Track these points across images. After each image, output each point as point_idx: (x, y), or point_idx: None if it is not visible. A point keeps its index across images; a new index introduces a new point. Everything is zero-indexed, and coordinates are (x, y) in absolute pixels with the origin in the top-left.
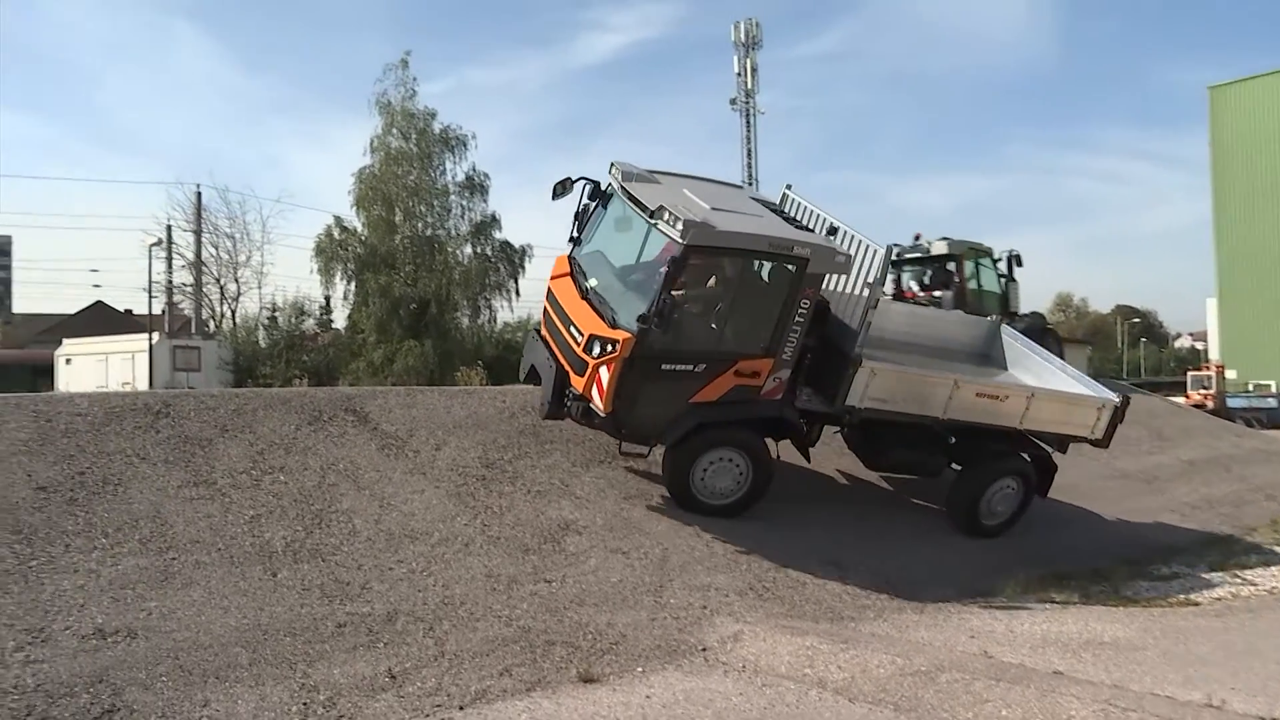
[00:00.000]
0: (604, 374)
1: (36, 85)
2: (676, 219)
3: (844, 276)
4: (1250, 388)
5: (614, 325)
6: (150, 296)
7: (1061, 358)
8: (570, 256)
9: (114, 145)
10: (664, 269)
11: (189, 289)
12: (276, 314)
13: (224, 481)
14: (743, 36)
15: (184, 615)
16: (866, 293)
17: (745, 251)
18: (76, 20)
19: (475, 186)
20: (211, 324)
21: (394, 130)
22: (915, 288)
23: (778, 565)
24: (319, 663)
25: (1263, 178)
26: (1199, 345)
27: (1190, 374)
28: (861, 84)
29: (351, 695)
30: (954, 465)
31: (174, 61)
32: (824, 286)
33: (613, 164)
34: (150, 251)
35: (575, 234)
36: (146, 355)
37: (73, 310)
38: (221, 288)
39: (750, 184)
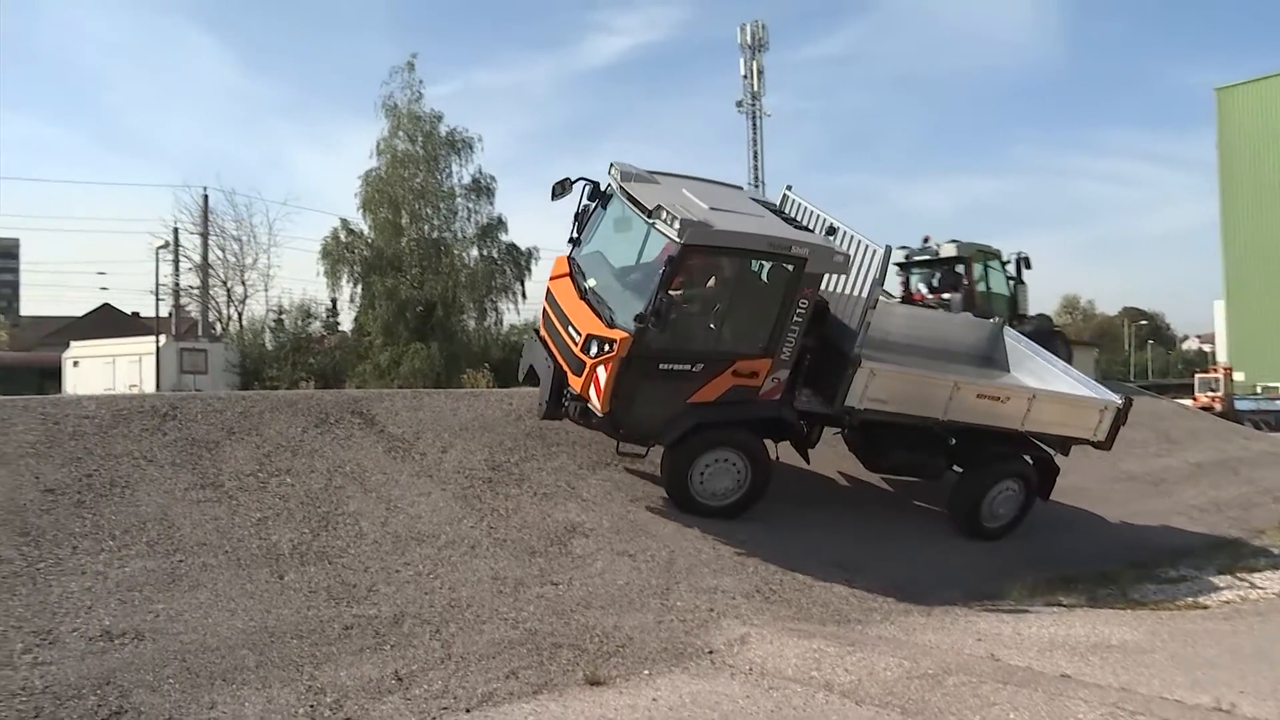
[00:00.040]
0: (601, 374)
1: (43, 88)
2: (674, 218)
3: (844, 277)
4: (1258, 390)
5: (612, 325)
6: (157, 299)
7: (1070, 360)
8: (570, 257)
9: (121, 148)
10: (661, 268)
11: (196, 291)
12: (283, 316)
13: (231, 484)
14: (749, 39)
15: (191, 617)
16: (866, 293)
17: (743, 251)
18: (83, 23)
19: (481, 189)
20: (218, 326)
21: (400, 133)
22: (924, 290)
23: (784, 568)
24: (326, 665)
25: (1270, 179)
26: (1206, 347)
27: (1198, 376)
28: (867, 86)
29: (358, 697)
30: (955, 467)
31: (180, 64)
32: (824, 287)
33: (612, 164)
34: (157, 254)
35: (575, 234)
36: (153, 358)
37: (80, 313)
38: (228, 290)
39: (756, 186)
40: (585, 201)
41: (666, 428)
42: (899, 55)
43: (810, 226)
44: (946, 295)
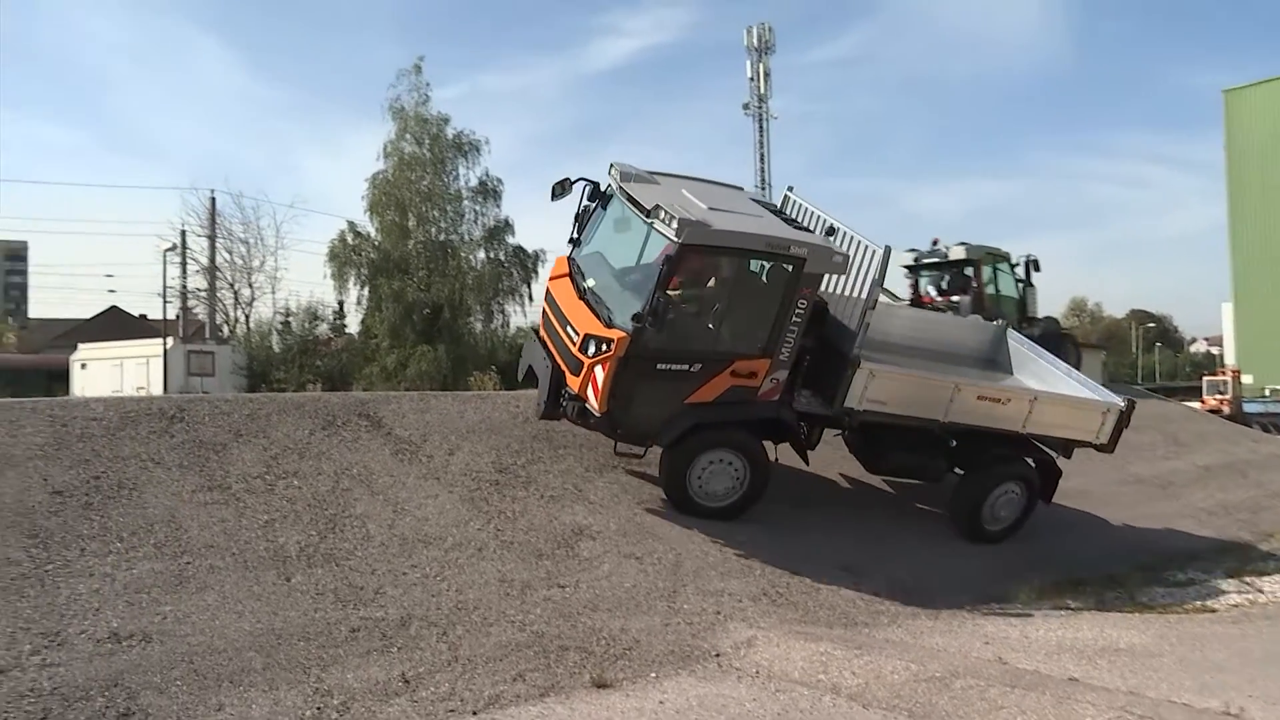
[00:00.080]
0: (599, 373)
1: (52, 91)
2: (672, 218)
3: (844, 278)
4: (1266, 393)
5: (610, 325)
6: (165, 301)
7: (1080, 363)
8: (570, 257)
9: (129, 150)
10: (659, 268)
11: (203, 294)
12: (290, 319)
13: (238, 486)
14: (755, 41)
15: (198, 619)
16: (865, 294)
17: (741, 251)
18: (91, 26)
19: (488, 192)
20: (225, 329)
21: (407, 135)
22: (933, 293)
23: (791, 571)
24: (332, 667)
25: (1278, 181)
26: (1214, 350)
27: (1206, 379)
28: (874, 89)
29: (365, 700)
30: (957, 470)
31: (186, 66)
32: (824, 288)
33: (612, 165)
34: (165, 256)
35: (575, 235)
36: (161, 360)
37: (88, 315)
38: (235, 293)
39: (763, 189)
40: (585, 202)
41: (664, 428)
42: (906, 58)
43: (811, 228)
44: (955, 298)
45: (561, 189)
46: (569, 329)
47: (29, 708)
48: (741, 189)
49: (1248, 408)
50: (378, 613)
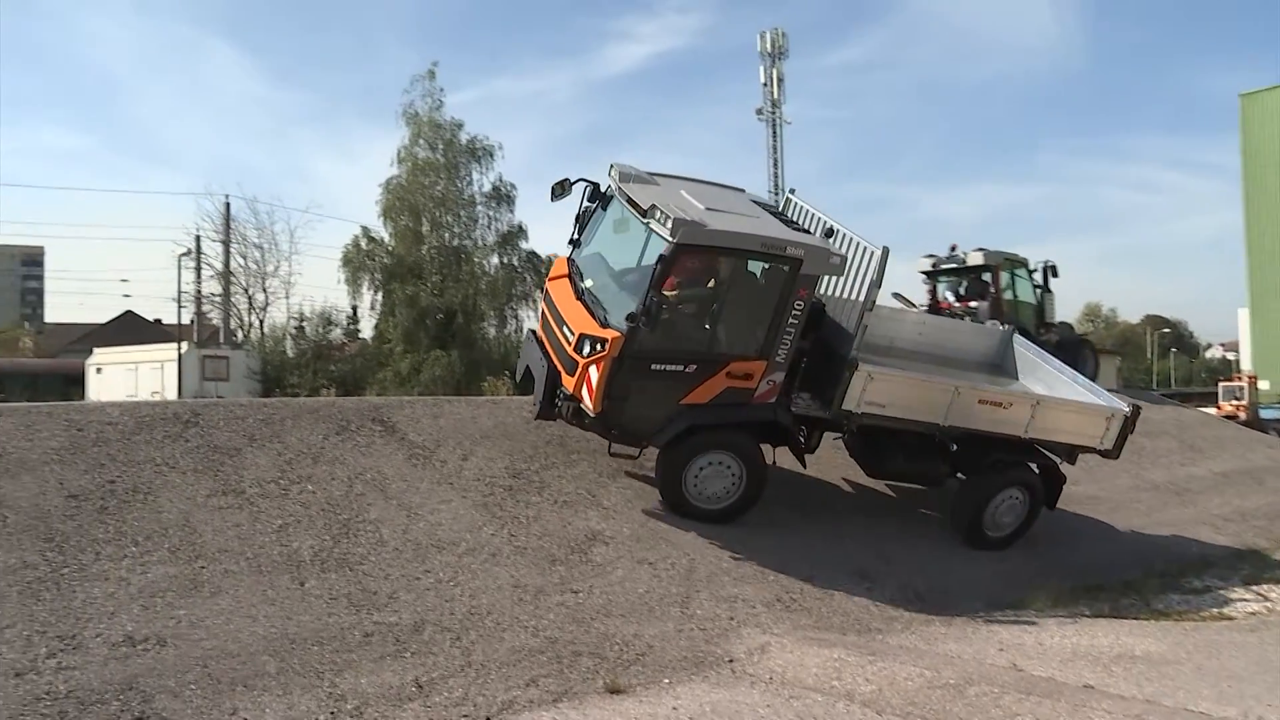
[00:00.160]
0: (593, 373)
1: (68, 97)
2: (667, 217)
3: (843, 280)
4: None
5: (605, 325)
6: (179, 306)
7: (1097, 369)
8: (569, 258)
9: (144, 156)
10: (654, 267)
11: (218, 299)
12: (304, 324)
13: (252, 491)
14: (769, 46)
15: (213, 624)
16: (864, 295)
17: (737, 251)
18: (102, 31)
19: (502, 197)
20: (240, 334)
21: (421, 141)
22: (951, 298)
23: (804, 576)
24: (346, 672)
25: None
26: (1230, 355)
27: (1222, 385)
28: (889, 93)
29: (379, 705)
30: (959, 475)
31: (202, 73)
32: (825, 290)
33: (612, 165)
34: (179, 262)
35: (575, 236)
36: (176, 365)
37: (103, 320)
38: (250, 298)
39: (776, 194)
40: (585, 203)
41: (659, 429)
42: (920, 63)
43: (811, 230)
44: (973, 303)
45: (561, 189)
46: (565, 329)
47: (45, 710)
48: (743, 190)
49: (1264, 414)
50: (391, 618)
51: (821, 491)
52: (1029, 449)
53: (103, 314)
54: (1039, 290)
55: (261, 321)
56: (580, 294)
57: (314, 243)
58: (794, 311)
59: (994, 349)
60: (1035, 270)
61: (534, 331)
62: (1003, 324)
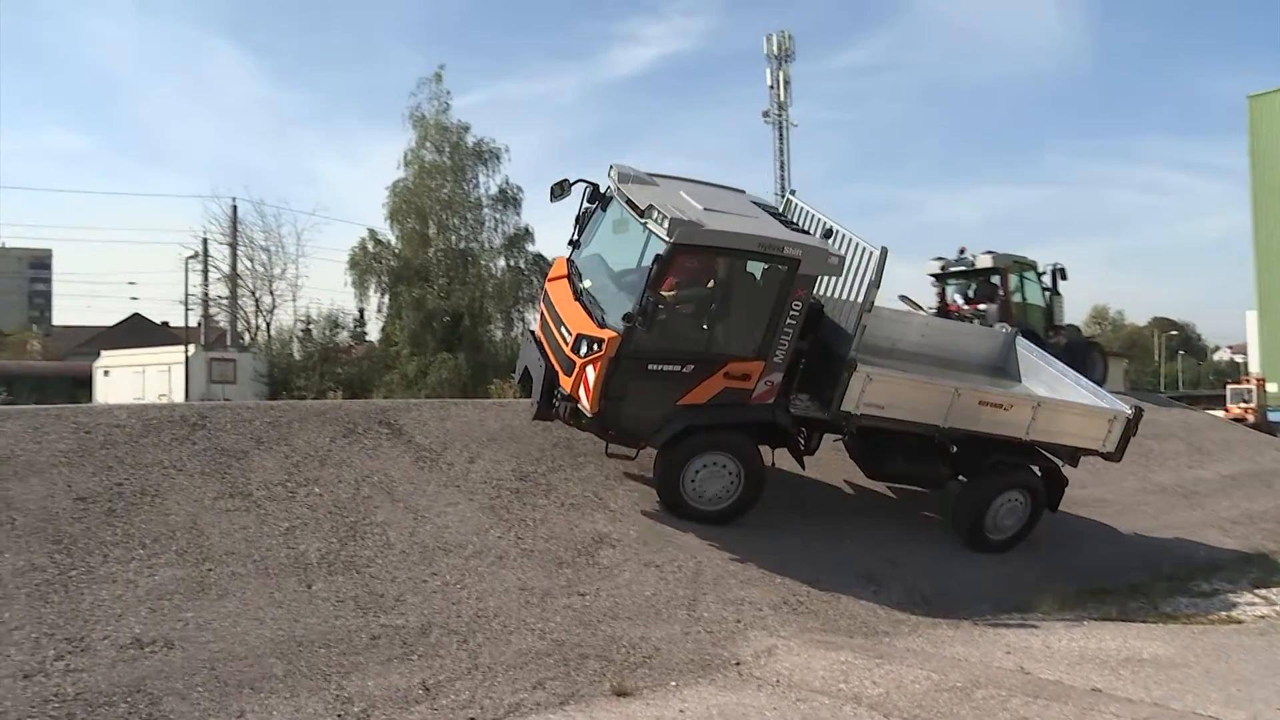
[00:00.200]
0: (590, 373)
1: (75, 101)
2: (664, 217)
3: (843, 280)
4: None
5: (602, 325)
6: (186, 309)
7: (1106, 372)
8: (569, 259)
9: (147, 158)
10: (651, 267)
11: (224, 302)
12: (311, 326)
13: (259, 493)
14: (775, 49)
15: (220, 626)
16: (862, 296)
17: (734, 251)
18: (109, 33)
19: (508, 199)
20: (247, 336)
21: (428, 143)
22: (960, 301)
23: (811, 579)
24: (353, 674)
25: None
26: (1238, 358)
27: (1230, 387)
28: (895, 96)
29: (385, 707)
30: (960, 477)
31: (209, 76)
32: (824, 291)
33: (611, 166)
34: (187, 264)
35: (575, 237)
36: (183, 367)
37: (111, 322)
38: (256, 300)
39: (782, 197)
40: (585, 204)
41: (656, 429)
42: (926, 65)
43: (811, 230)
44: (982, 306)
45: (560, 190)
46: (563, 329)
47: (53, 712)
48: (743, 191)
49: (1272, 416)
50: (398, 620)
51: (827, 494)
52: (1030, 451)
53: (110, 317)
54: (1048, 293)
55: (268, 324)
56: (579, 294)
57: (321, 245)
58: (792, 312)
59: (997, 351)
60: (1044, 273)
61: (533, 332)
62: (1011, 327)
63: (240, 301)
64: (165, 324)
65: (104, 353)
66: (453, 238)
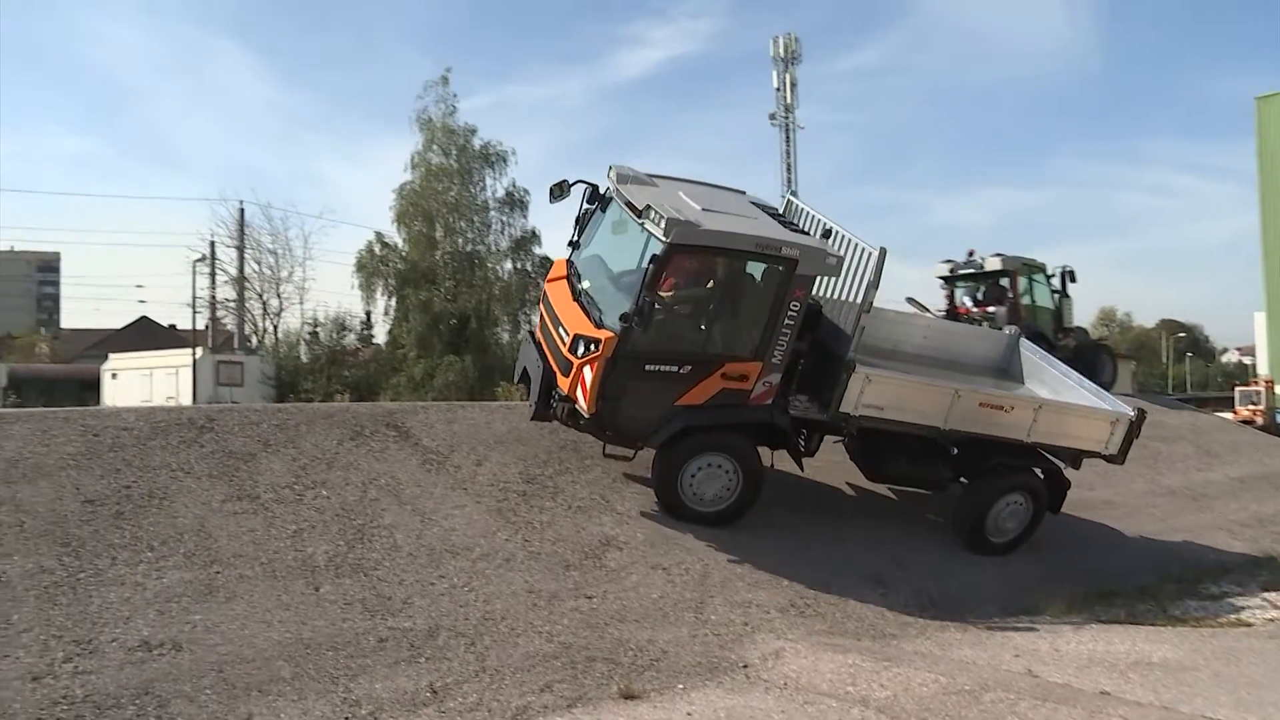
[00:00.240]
0: (587, 374)
1: (83, 104)
2: (661, 217)
3: (843, 281)
4: None
5: (600, 325)
6: (194, 312)
7: (1115, 374)
8: (569, 260)
9: (159, 162)
10: (647, 267)
11: (232, 304)
12: (318, 329)
13: (267, 496)
14: (782, 51)
15: (227, 629)
16: (861, 297)
17: (731, 251)
18: (114, 35)
19: (515, 202)
20: (254, 339)
21: (434, 146)
22: (969, 304)
23: (818, 582)
24: (361, 677)
25: None
26: (1247, 360)
27: (1238, 389)
28: (902, 98)
29: (393, 710)
30: (961, 479)
31: (216, 79)
32: (823, 292)
33: (610, 167)
34: (194, 267)
35: (575, 238)
36: (190, 370)
37: (119, 325)
38: (264, 303)
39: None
40: (585, 205)
41: (654, 430)
42: (933, 67)
43: (811, 231)
44: (991, 309)
45: (559, 191)
46: (561, 330)
47: (62, 714)
48: (743, 192)
49: None
50: (406, 623)
51: (834, 496)
52: (1032, 453)
53: (118, 319)
54: (1057, 295)
55: (276, 327)
56: (577, 295)
57: (328, 248)
58: (790, 312)
59: (1000, 353)
60: (1053, 275)
61: (532, 333)
62: (1022, 330)
63: (247, 304)
64: (173, 327)
65: (112, 355)
66: (459, 240)
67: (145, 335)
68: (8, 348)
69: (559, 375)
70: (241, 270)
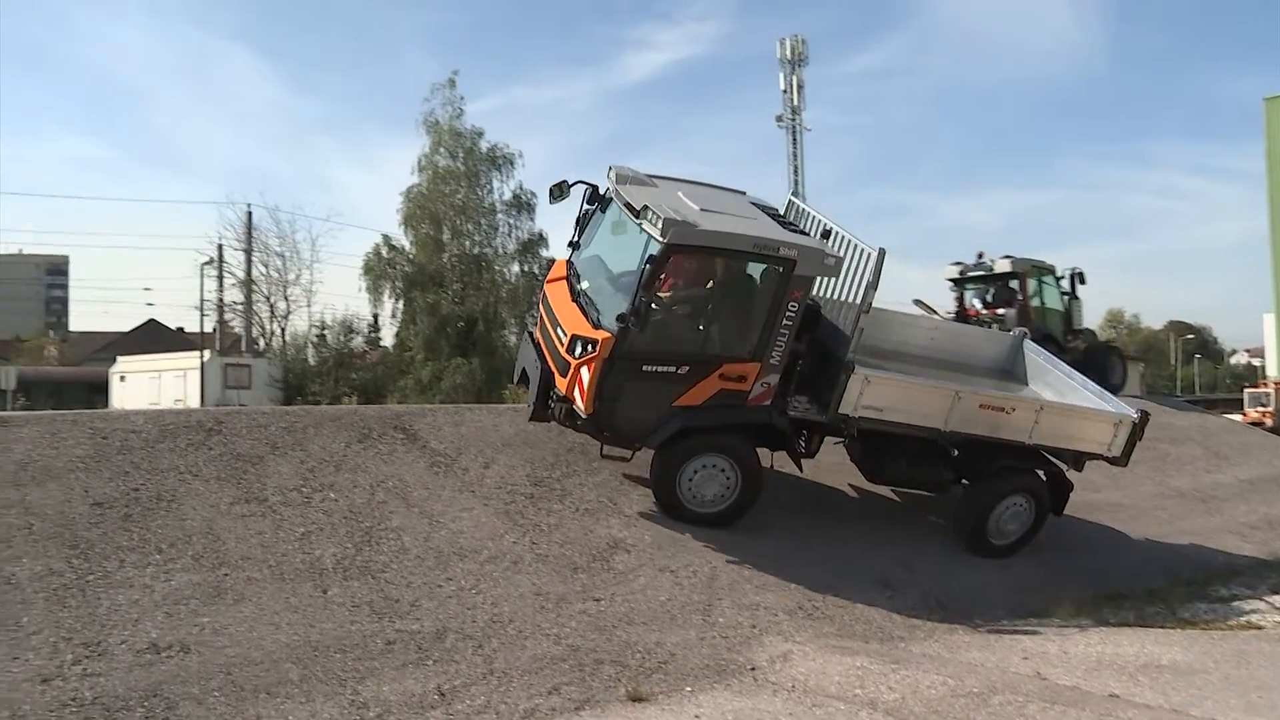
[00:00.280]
0: (585, 374)
1: (92, 108)
2: (659, 217)
3: (843, 282)
4: None
5: (597, 326)
6: (202, 314)
7: (1125, 376)
8: (569, 260)
9: (167, 165)
10: (644, 267)
11: (240, 307)
12: (325, 332)
13: (275, 498)
14: (789, 53)
15: (236, 631)
16: (860, 297)
17: (729, 252)
18: (131, 42)
19: (522, 205)
20: (261, 342)
21: (442, 149)
22: (978, 306)
23: (825, 584)
24: (369, 679)
25: None
26: (1256, 361)
27: (1247, 391)
28: (908, 99)
29: (401, 712)
30: (963, 481)
31: (224, 82)
32: (822, 293)
33: (610, 167)
34: (202, 270)
35: (575, 238)
36: (198, 373)
37: (127, 328)
38: (271, 306)
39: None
40: (585, 205)
41: (651, 431)
42: (940, 68)
43: (811, 232)
44: (1001, 311)
45: (559, 192)
46: (559, 330)
47: (71, 716)
48: (744, 193)
49: None
50: (413, 625)
51: (840, 498)
52: (1034, 455)
53: (126, 322)
54: (1066, 297)
55: (283, 329)
56: (576, 295)
57: (335, 251)
58: (788, 313)
59: (1005, 354)
60: (1063, 277)
61: (531, 333)
62: (1031, 332)
63: (255, 307)
64: (181, 329)
65: (120, 358)
66: (467, 243)
67: (153, 338)
68: (16, 351)
69: (557, 375)
70: (249, 273)
